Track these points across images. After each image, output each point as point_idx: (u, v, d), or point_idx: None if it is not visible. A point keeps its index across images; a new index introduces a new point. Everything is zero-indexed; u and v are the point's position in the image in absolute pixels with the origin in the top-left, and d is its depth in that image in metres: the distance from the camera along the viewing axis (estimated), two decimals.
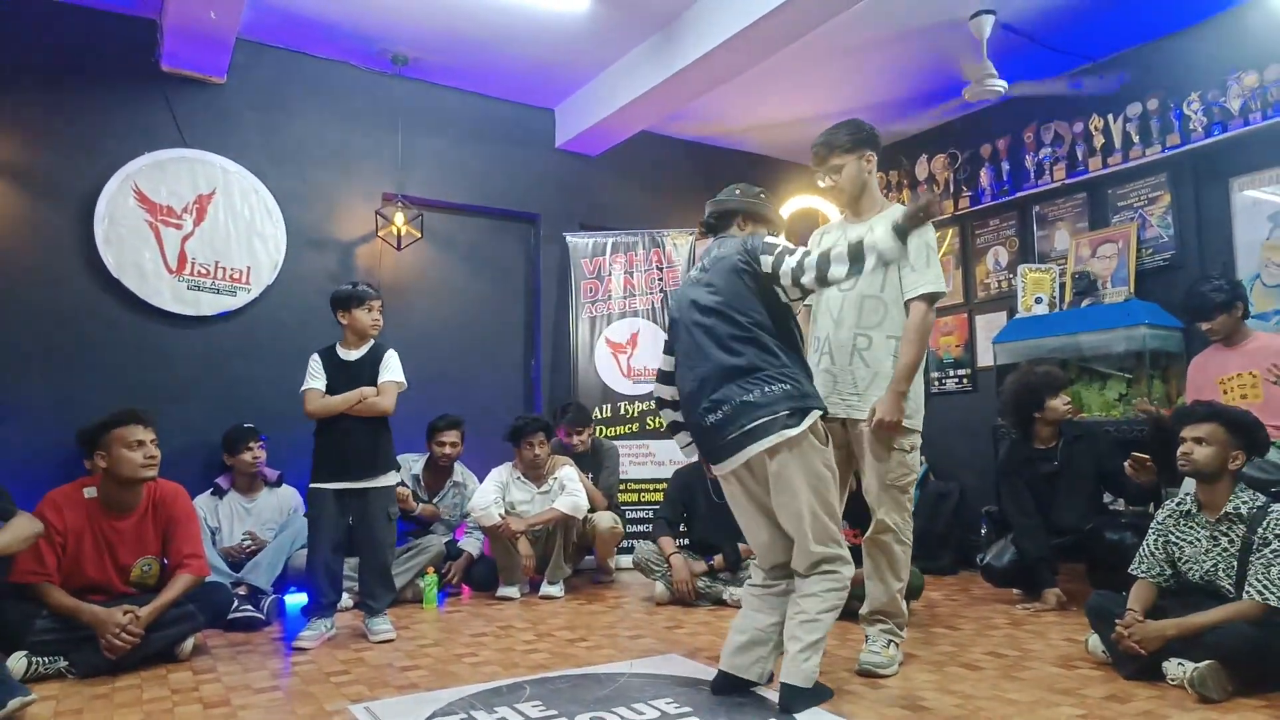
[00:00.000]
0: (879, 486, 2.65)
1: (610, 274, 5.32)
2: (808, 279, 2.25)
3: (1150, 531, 2.69)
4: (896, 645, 2.69)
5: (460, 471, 4.48)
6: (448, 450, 4.33)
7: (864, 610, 2.75)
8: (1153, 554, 2.64)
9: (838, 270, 2.21)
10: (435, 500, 4.39)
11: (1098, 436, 3.80)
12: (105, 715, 2.27)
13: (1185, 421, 2.62)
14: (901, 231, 2.15)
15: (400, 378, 3.34)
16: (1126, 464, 3.36)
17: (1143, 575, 2.63)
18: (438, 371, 4.71)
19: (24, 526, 2.59)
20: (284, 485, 4.11)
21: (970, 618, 3.42)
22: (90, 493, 2.88)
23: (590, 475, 4.54)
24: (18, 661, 2.57)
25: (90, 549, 2.83)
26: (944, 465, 5.25)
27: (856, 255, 2.19)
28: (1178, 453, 2.60)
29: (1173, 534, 2.64)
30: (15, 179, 3.94)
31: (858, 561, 3.07)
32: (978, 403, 5.18)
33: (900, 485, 2.65)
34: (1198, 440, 2.55)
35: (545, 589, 4.03)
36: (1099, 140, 4.60)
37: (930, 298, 2.61)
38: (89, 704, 2.38)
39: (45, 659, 2.65)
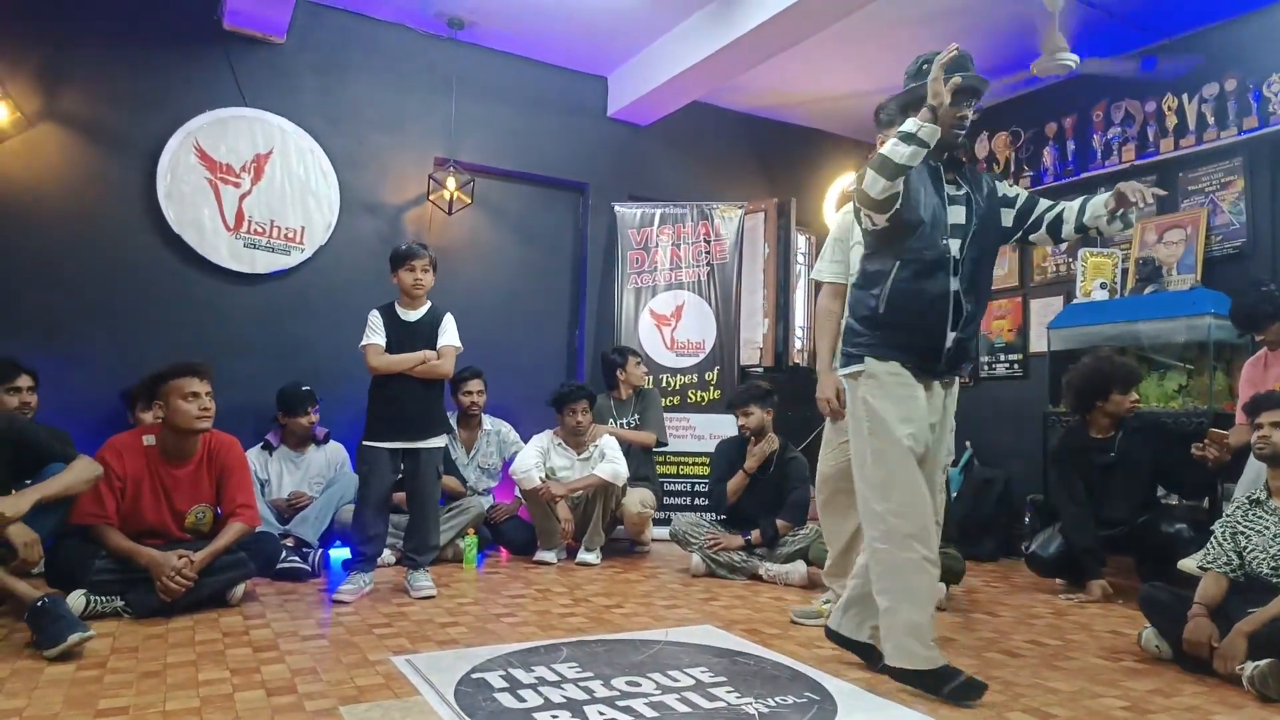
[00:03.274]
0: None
1: (657, 245, 5.29)
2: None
3: (1219, 523, 2.64)
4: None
5: (491, 421, 4.55)
6: (474, 398, 4.39)
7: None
8: (1220, 544, 2.58)
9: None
10: (472, 453, 4.45)
11: (1158, 430, 3.70)
12: (159, 654, 2.36)
13: (1264, 408, 2.60)
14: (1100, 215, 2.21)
15: (458, 342, 3.40)
16: (1197, 444, 3.24)
17: (1209, 566, 2.57)
18: (481, 336, 4.72)
19: (85, 469, 2.70)
20: (331, 442, 4.20)
21: (1011, 605, 3.37)
22: (149, 440, 2.97)
23: (637, 417, 4.61)
24: (77, 599, 2.67)
25: (148, 495, 2.93)
26: (990, 452, 5.15)
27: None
28: (1256, 437, 2.58)
29: (1241, 524, 2.57)
30: (83, 133, 4.04)
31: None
32: (1028, 389, 5.07)
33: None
34: (1276, 425, 2.53)
35: (582, 555, 4.07)
36: (1171, 121, 4.42)
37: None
38: (144, 643, 2.47)
39: (103, 598, 2.75)
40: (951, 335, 2.22)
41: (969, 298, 2.24)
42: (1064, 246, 4.97)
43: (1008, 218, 2.37)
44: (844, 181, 5.83)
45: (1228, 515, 2.64)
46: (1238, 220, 4.20)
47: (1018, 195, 2.39)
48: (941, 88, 2.12)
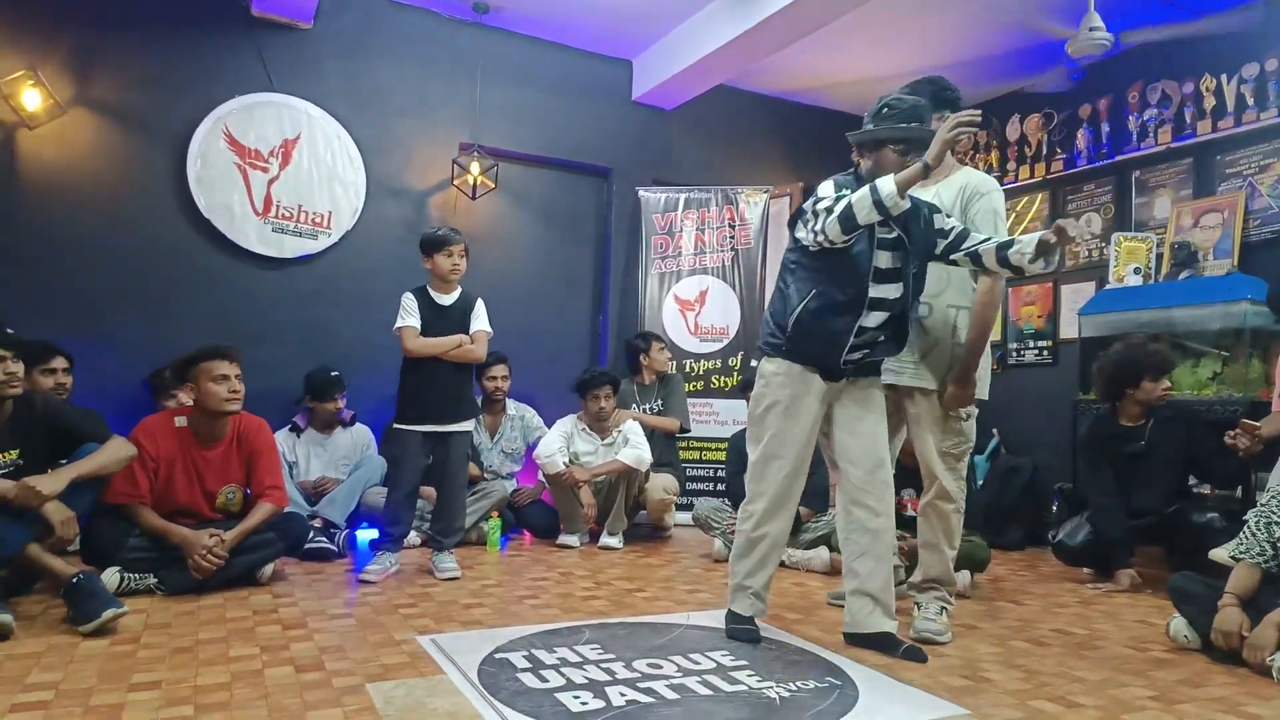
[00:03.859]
0: (934, 455, 2.63)
1: (681, 230, 5.27)
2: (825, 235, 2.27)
3: (1253, 512, 2.58)
4: (949, 613, 2.68)
5: (514, 406, 4.57)
6: (499, 383, 4.42)
7: (916, 578, 2.74)
8: (1254, 534, 2.52)
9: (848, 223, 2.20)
10: (496, 438, 4.48)
11: (1190, 419, 3.63)
12: (191, 630, 2.41)
13: None
14: (1026, 252, 2.25)
15: (489, 327, 3.43)
16: (1230, 432, 3.19)
17: (1243, 556, 2.52)
18: (505, 321, 4.70)
19: (118, 449, 2.75)
20: (358, 425, 4.24)
21: (1037, 594, 3.34)
22: (181, 422, 3.03)
23: (660, 403, 4.62)
24: (111, 576, 2.74)
25: (180, 475, 2.99)
26: (1017, 439, 5.09)
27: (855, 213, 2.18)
28: None
29: (1276, 514, 2.52)
30: (114, 118, 4.09)
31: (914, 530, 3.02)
32: (1058, 376, 5.00)
33: (957, 453, 2.65)
34: None
35: (605, 539, 4.09)
36: (1210, 102, 4.31)
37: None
38: (176, 619, 2.52)
39: (136, 575, 2.81)
40: (851, 355, 2.39)
41: (883, 329, 2.40)
42: (1097, 230, 4.88)
43: (940, 247, 2.42)
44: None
45: (1263, 505, 2.58)
46: (1277, 204, 4.09)
47: (952, 229, 2.43)
48: (941, 149, 2.16)
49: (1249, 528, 2.56)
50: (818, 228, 2.28)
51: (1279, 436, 2.89)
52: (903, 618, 2.56)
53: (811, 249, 2.35)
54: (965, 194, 2.60)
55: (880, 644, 2.40)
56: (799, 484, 2.49)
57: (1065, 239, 2.19)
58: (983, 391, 2.66)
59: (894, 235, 2.35)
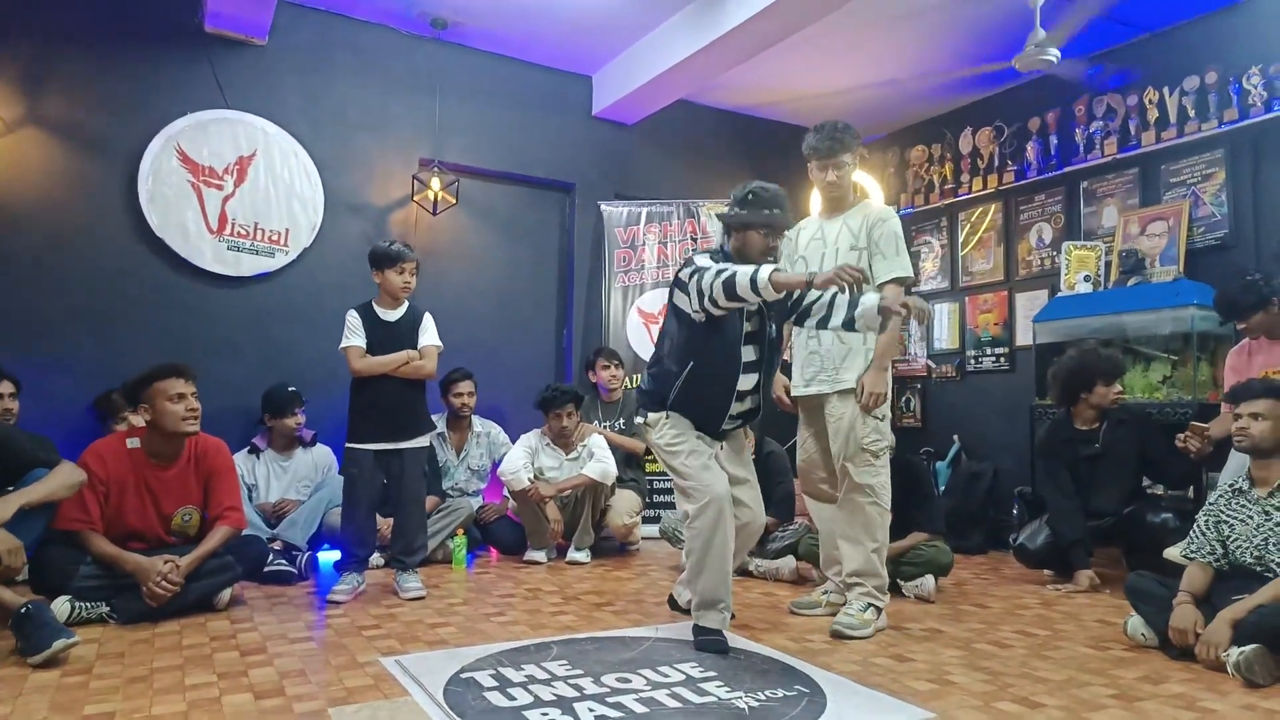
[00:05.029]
0: (851, 451, 2.81)
1: (644, 244, 5.29)
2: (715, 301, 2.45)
3: (1202, 512, 2.65)
4: (876, 610, 2.76)
5: (480, 423, 4.54)
6: (465, 400, 4.39)
7: (844, 575, 2.86)
8: (1204, 534, 2.60)
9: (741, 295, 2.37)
10: (462, 455, 4.44)
11: (1142, 421, 3.73)
12: (146, 659, 2.34)
13: (1243, 398, 2.61)
14: (868, 316, 2.51)
15: (439, 342, 3.39)
16: (1180, 435, 3.30)
17: (1193, 556, 2.59)
18: (469, 337, 4.73)
19: (68, 475, 2.68)
20: (318, 444, 4.18)
21: (1000, 597, 3.38)
22: (133, 443, 2.95)
23: (624, 421, 4.62)
24: (61, 606, 2.65)
25: (133, 498, 2.91)
26: (978, 445, 5.18)
27: (744, 289, 2.35)
28: (1234, 428, 2.60)
29: (1224, 513, 2.59)
30: (62, 137, 4.00)
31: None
32: (1015, 382, 5.09)
33: (874, 449, 2.81)
34: (1255, 416, 2.55)
35: (572, 554, 4.07)
36: (1153, 114, 4.45)
37: (901, 281, 2.84)
38: (130, 648, 2.45)
39: (88, 604, 2.73)
40: (730, 421, 2.66)
41: (748, 397, 2.65)
42: (1048, 240, 5.00)
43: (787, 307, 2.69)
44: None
45: (1210, 504, 2.66)
46: (1219, 212, 4.23)
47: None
48: (830, 281, 2.33)
49: (1199, 527, 2.63)
50: (706, 289, 2.43)
51: (1228, 437, 2.97)
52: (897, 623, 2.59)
53: (694, 317, 2.55)
54: (869, 221, 2.90)
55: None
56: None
57: (908, 314, 2.43)
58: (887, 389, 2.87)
59: (755, 308, 2.60)
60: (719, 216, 2.73)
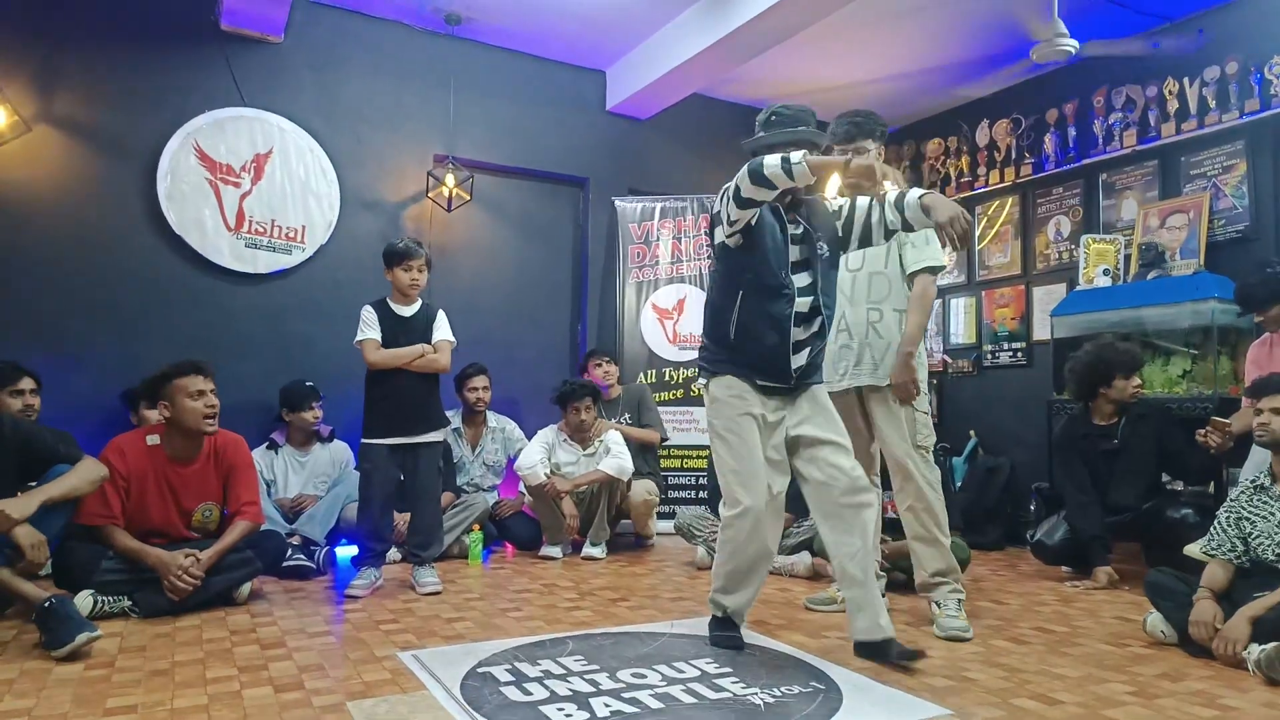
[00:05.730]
0: (906, 448, 2.75)
1: (658, 239, 5.28)
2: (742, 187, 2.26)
3: (1223, 509, 2.63)
4: (963, 605, 2.74)
5: (495, 418, 4.56)
6: (480, 394, 4.41)
7: (924, 576, 2.78)
8: (1224, 531, 2.57)
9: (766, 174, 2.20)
10: (477, 450, 4.46)
11: (1161, 415, 3.69)
12: (167, 653, 2.37)
13: (1264, 393, 2.58)
14: (914, 212, 2.37)
15: (452, 337, 3.42)
16: (1201, 430, 3.26)
17: (1214, 553, 2.56)
18: (483, 333, 4.74)
19: (90, 470, 2.71)
20: (336, 440, 4.20)
21: (1017, 593, 3.36)
22: (153, 440, 2.98)
23: (629, 418, 4.59)
24: (84, 600, 2.68)
25: (154, 494, 2.94)
26: (994, 440, 5.14)
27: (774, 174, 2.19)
28: (1256, 424, 2.57)
29: (1245, 510, 2.56)
30: (82, 136, 4.04)
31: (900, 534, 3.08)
32: (1032, 377, 5.05)
33: (926, 445, 2.79)
34: (1276, 411, 2.52)
35: (587, 550, 4.08)
36: (1173, 105, 4.40)
37: (932, 270, 2.81)
38: (151, 642, 2.48)
39: (110, 598, 2.76)
40: (797, 357, 2.43)
41: (812, 322, 2.45)
42: (1066, 233, 4.96)
43: (871, 225, 2.49)
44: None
45: (1232, 500, 2.63)
46: (1240, 204, 4.18)
47: (840, 207, 2.55)
48: (864, 172, 2.23)
49: (1219, 524, 2.60)
50: (731, 189, 2.31)
51: (1249, 432, 2.94)
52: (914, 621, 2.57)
53: (730, 245, 2.42)
54: None
55: (880, 651, 2.35)
56: (780, 500, 2.48)
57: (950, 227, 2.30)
58: (922, 385, 2.80)
59: (800, 230, 2.46)
60: (744, 144, 2.52)
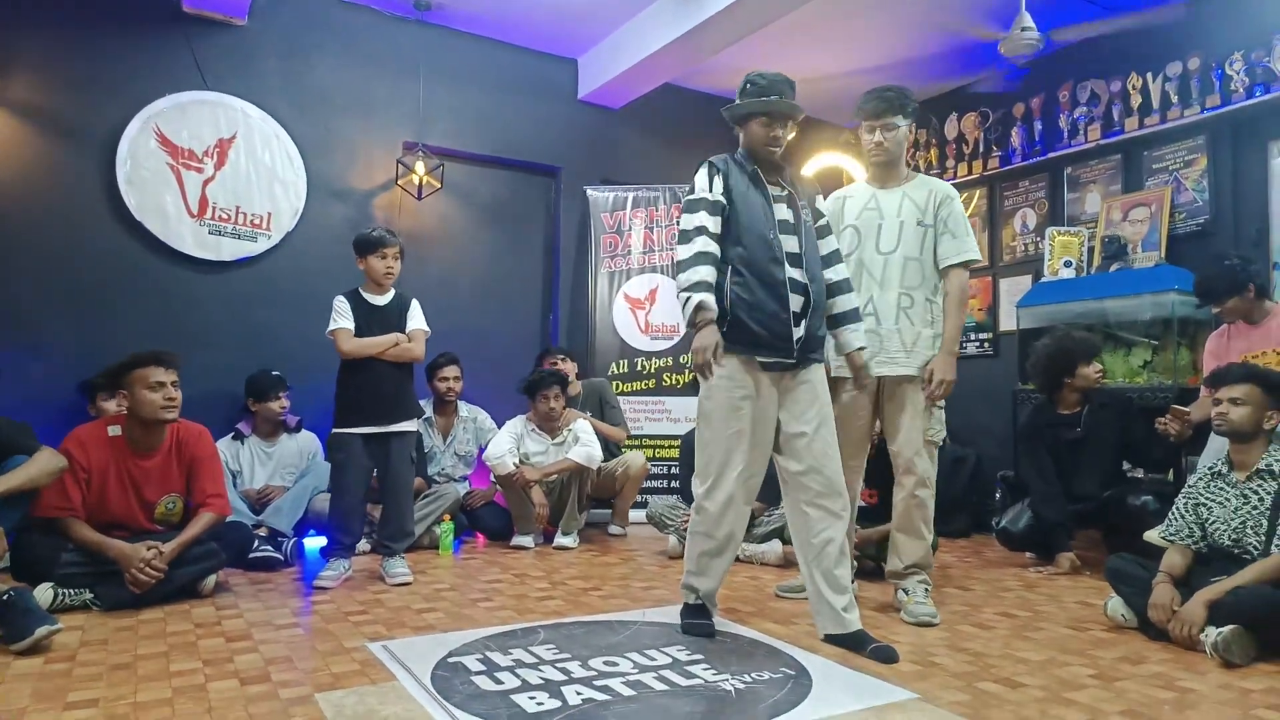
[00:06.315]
0: (919, 443, 2.73)
1: (630, 229, 5.27)
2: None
3: (1181, 495, 2.69)
4: (929, 594, 2.79)
5: (466, 408, 4.53)
6: (451, 384, 4.37)
7: (896, 566, 2.82)
8: (1182, 516, 2.63)
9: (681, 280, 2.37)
10: (449, 440, 4.43)
11: (1123, 405, 3.76)
12: (130, 647, 2.33)
13: (1222, 383, 2.63)
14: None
15: (426, 326, 3.40)
16: (1161, 419, 3.34)
17: (1172, 539, 2.63)
18: (454, 323, 4.69)
19: (48, 462, 2.65)
20: (303, 431, 4.15)
21: (982, 579, 3.42)
22: (114, 431, 2.92)
23: (589, 415, 4.60)
24: (44, 593, 2.62)
25: (115, 486, 2.88)
26: (961, 430, 5.20)
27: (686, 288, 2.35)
28: (1214, 413, 2.63)
29: (1203, 495, 2.63)
30: (39, 120, 3.93)
31: (876, 522, 3.12)
32: (998, 367, 5.13)
33: (935, 441, 2.78)
34: (1234, 401, 2.58)
35: (559, 540, 4.07)
36: (1136, 100, 4.47)
37: (967, 265, 2.77)
38: (114, 635, 2.44)
39: (71, 591, 2.70)
40: (799, 326, 2.41)
41: (810, 288, 2.43)
42: (1032, 226, 5.03)
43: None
44: (819, 162, 5.86)
45: (1190, 487, 2.69)
46: (1201, 198, 4.27)
47: (824, 224, 2.60)
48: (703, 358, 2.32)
49: (1177, 509, 2.67)
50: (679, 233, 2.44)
51: (1207, 421, 3.01)
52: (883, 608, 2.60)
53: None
54: (935, 197, 2.77)
55: (853, 642, 2.37)
56: (755, 485, 2.49)
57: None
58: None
59: (785, 192, 2.49)
60: (723, 111, 2.54)
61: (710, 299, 2.33)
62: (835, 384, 2.76)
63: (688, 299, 2.33)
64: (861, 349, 2.59)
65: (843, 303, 2.57)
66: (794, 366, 2.44)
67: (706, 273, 2.34)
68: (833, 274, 2.57)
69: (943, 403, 2.80)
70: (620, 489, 4.44)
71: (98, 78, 4.04)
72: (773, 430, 2.46)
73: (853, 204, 2.87)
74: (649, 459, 5.01)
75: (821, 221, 2.59)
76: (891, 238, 2.76)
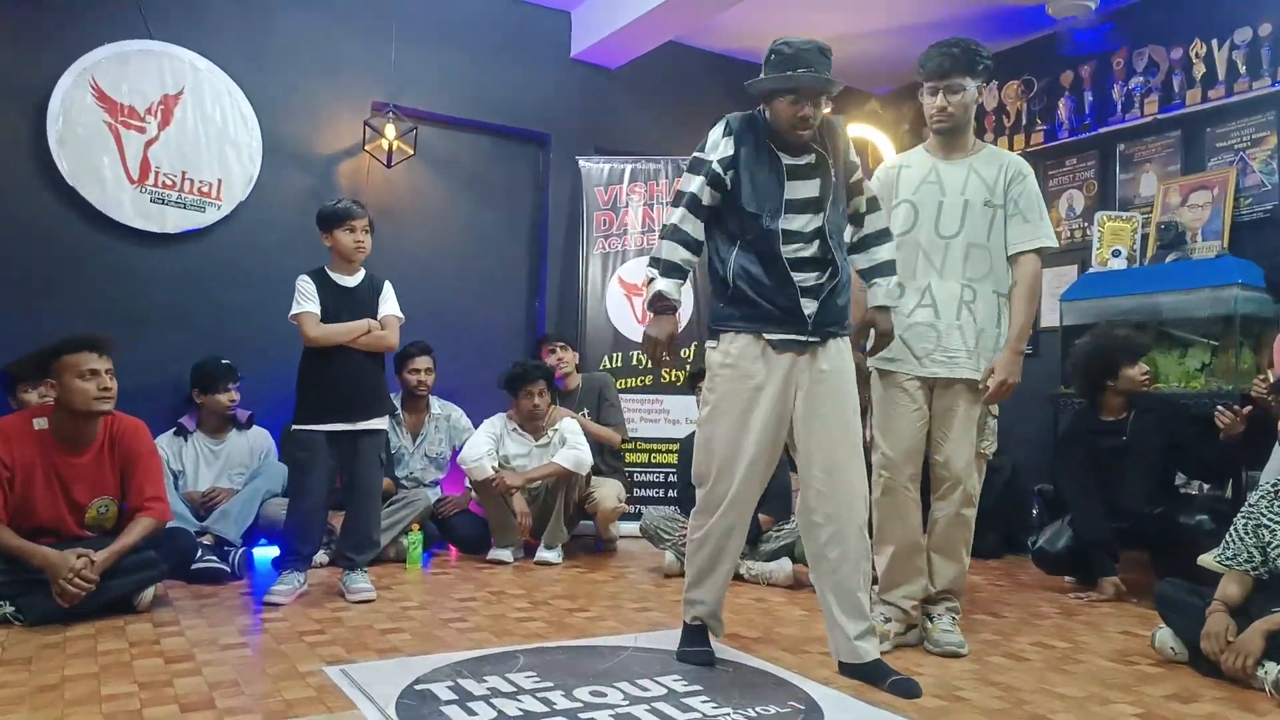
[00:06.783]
0: (971, 456, 2.73)
1: (627, 205, 5.27)
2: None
3: (1240, 515, 2.67)
4: (958, 621, 2.80)
5: (439, 404, 4.53)
6: (422, 377, 4.37)
7: (930, 590, 2.81)
8: (1241, 539, 2.62)
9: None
10: (419, 440, 4.42)
11: (1172, 409, 3.77)
12: (57, 665, 2.32)
13: None
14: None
15: (400, 312, 3.40)
16: (1216, 414, 3.35)
17: (1229, 564, 2.62)
18: (427, 308, 4.68)
19: None
20: (255, 427, 4.15)
21: (1016, 605, 3.43)
22: (40, 424, 2.91)
23: (587, 412, 4.58)
24: None
25: (41, 486, 2.87)
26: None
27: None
28: None
29: (1265, 516, 2.61)
30: None
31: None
32: (1038, 368, 5.11)
33: (986, 455, 2.79)
34: None
35: (542, 554, 4.07)
36: (1200, 70, 4.47)
37: (1040, 253, 2.72)
38: (39, 653, 2.44)
39: None
40: (810, 302, 2.37)
41: (821, 265, 2.39)
42: (1079, 210, 5.03)
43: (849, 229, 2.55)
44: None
45: (1250, 506, 2.68)
46: (1269, 181, 4.27)
47: (871, 198, 2.55)
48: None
49: (1236, 531, 2.66)
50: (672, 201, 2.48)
51: (1271, 428, 3.00)
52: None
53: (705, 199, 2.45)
54: (1007, 173, 2.71)
55: (871, 673, 2.36)
56: (760, 486, 2.49)
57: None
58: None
59: (808, 161, 2.42)
60: (746, 86, 2.48)
61: (670, 286, 2.38)
62: (883, 378, 2.77)
63: (651, 279, 2.41)
64: (883, 308, 2.52)
65: (876, 254, 2.52)
66: (812, 344, 2.40)
67: (672, 251, 2.40)
68: (875, 254, 2.53)
69: (997, 410, 2.79)
70: (594, 519, 4.43)
71: (28, 24, 4.01)
72: (785, 426, 2.43)
73: (910, 175, 2.78)
74: (643, 464, 5.03)
75: (869, 195, 2.53)
76: (954, 219, 2.69)
